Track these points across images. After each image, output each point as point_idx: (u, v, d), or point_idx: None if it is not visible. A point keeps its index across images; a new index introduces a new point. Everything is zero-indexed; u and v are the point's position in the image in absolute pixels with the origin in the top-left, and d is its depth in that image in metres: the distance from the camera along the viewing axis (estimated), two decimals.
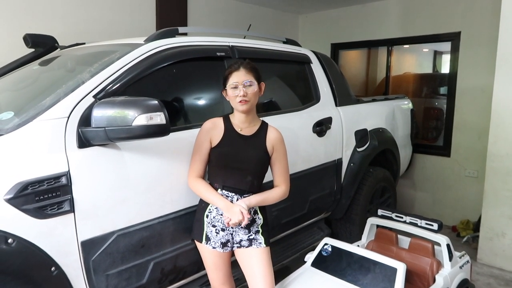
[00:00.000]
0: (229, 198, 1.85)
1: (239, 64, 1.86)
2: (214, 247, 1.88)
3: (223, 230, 1.87)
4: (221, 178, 1.87)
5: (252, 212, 1.89)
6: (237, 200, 1.85)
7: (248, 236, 1.89)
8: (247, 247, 1.89)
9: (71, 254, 1.57)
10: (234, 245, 1.90)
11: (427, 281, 2.38)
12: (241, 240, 1.89)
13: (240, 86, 1.82)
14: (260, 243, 1.90)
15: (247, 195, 1.87)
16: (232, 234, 1.88)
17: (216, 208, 1.86)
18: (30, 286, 1.48)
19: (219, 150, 1.87)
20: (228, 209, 1.79)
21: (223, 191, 1.86)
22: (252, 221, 1.89)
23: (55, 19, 3.27)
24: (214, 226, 1.87)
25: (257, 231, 1.90)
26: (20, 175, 1.43)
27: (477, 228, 3.71)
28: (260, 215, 1.93)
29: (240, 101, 1.82)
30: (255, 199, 1.86)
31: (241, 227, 1.86)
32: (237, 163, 1.86)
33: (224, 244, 1.88)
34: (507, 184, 3.26)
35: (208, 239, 1.88)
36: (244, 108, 1.84)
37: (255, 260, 1.88)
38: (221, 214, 1.85)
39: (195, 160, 1.90)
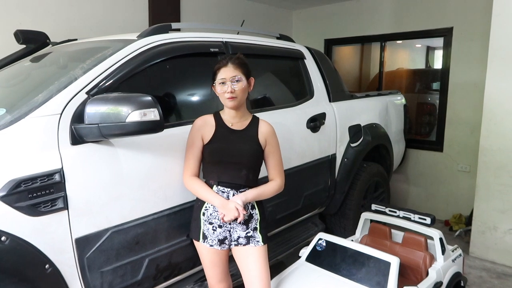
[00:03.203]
0: (225, 193, 1.85)
1: (227, 60, 1.84)
2: (211, 245, 1.87)
3: (220, 227, 1.86)
4: (216, 174, 1.87)
5: (249, 207, 1.89)
6: (233, 195, 1.85)
7: (246, 233, 1.88)
8: (244, 245, 1.88)
9: (65, 251, 1.56)
10: (232, 242, 1.89)
11: (420, 274, 2.40)
12: (238, 237, 1.88)
13: (228, 82, 1.80)
14: (258, 241, 1.89)
15: (243, 190, 1.87)
16: (229, 231, 1.87)
17: (212, 205, 1.86)
18: (24, 284, 1.47)
19: (211, 146, 1.86)
20: (224, 207, 1.78)
21: (219, 186, 1.85)
22: (250, 217, 1.89)
23: (47, 15, 3.24)
24: (211, 223, 1.86)
25: (255, 228, 1.90)
26: (12, 172, 1.42)
27: (469, 222, 3.75)
28: (257, 211, 1.92)
29: (228, 98, 1.81)
30: (251, 194, 1.85)
31: (239, 223, 1.86)
32: (231, 158, 1.85)
33: (221, 242, 1.87)
34: (499, 178, 3.29)
35: (205, 237, 1.87)
36: (232, 105, 1.83)
37: (252, 259, 1.88)
38: (218, 211, 1.85)
39: (188, 158, 1.89)
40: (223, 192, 1.85)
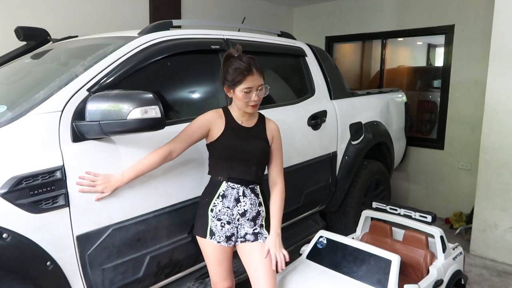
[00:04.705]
0: (235, 189, 1.85)
1: (251, 67, 1.76)
2: (218, 242, 1.85)
3: (228, 223, 1.85)
4: (226, 170, 1.85)
5: (257, 204, 1.89)
6: (243, 191, 1.85)
7: (254, 230, 1.88)
8: (252, 241, 1.88)
9: (67, 248, 1.57)
10: (238, 239, 1.89)
11: (421, 272, 2.41)
12: (246, 234, 1.88)
13: (254, 91, 1.78)
14: (265, 237, 1.89)
15: (252, 186, 1.88)
16: (237, 228, 1.87)
17: (222, 201, 1.84)
18: (26, 281, 1.47)
19: (222, 142, 1.84)
20: (108, 180, 1.65)
21: (229, 183, 1.85)
22: (257, 214, 1.89)
23: (47, 12, 3.23)
24: (219, 219, 1.85)
25: (262, 225, 1.90)
26: (14, 169, 1.42)
27: (470, 220, 3.75)
28: (263, 208, 1.92)
29: (252, 105, 1.81)
30: (278, 224, 1.89)
31: (247, 220, 1.86)
32: (242, 154, 1.85)
33: (228, 238, 1.86)
34: (500, 176, 3.29)
35: (212, 233, 1.85)
36: (253, 111, 1.85)
37: (259, 255, 1.86)
38: (227, 207, 1.84)
39: (181, 136, 1.81)
40: (233, 188, 1.85)
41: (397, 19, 4.64)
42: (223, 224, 1.85)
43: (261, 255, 1.86)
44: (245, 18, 3.45)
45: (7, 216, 1.40)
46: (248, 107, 1.82)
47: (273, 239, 1.86)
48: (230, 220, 1.85)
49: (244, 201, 1.85)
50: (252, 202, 1.87)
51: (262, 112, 2.13)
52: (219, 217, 1.85)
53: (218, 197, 1.85)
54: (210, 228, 1.86)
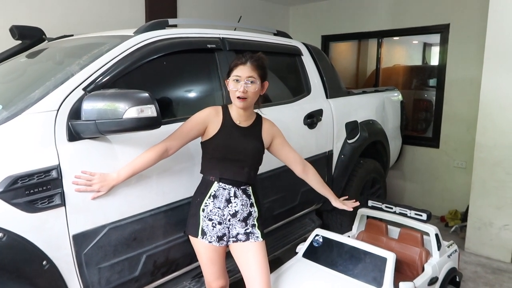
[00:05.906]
0: (227, 190, 1.84)
1: (247, 58, 1.80)
2: (210, 241, 1.85)
3: (220, 223, 1.85)
4: (218, 170, 1.85)
5: (249, 205, 1.89)
6: (235, 192, 1.85)
7: (245, 230, 1.88)
8: (244, 241, 1.88)
9: (63, 247, 1.57)
10: (230, 239, 1.89)
11: (416, 270, 2.42)
12: (237, 234, 1.87)
13: (242, 81, 1.77)
14: (257, 237, 1.89)
15: (244, 187, 1.87)
16: (229, 228, 1.87)
17: (213, 201, 1.84)
18: (22, 280, 1.47)
19: (216, 141, 1.84)
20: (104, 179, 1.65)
21: (220, 183, 1.84)
22: (249, 214, 1.89)
23: (43, 11, 3.21)
24: (210, 219, 1.84)
25: (253, 225, 1.90)
26: (9, 169, 1.42)
27: (465, 218, 3.77)
28: (255, 208, 1.92)
29: (239, 97, 1.78)
30: (331, 192, 2.20)
31: (238, 220, 1.86)
32: (235, 155, 1.84)
33: (220, 238, 1.86)
34: (495, 174, 3.31)
35: (204, 233, 1.85)
36: (242, 105, 1.80)
37: (251, 254, 1.87)
38: (218, 207, 1.84)
39: (177, 133, 1.80)
40: (225, 189, 1.84)
41: (393, 18, 4.65)
42: (214, 224, 1.85)
43: (254, 253, 1.87)
44: (241, 17, 3.46)
45: (3, 216, 1.40)
46: (236, 99, 1.80)
47: (338, 201, 2.18)
48: (221, 221, 1.85)
49: (235, 202, 1.85)
50: (243, 203, 1.87)
51: (259, 110, 2.14)
52: (210, 217, 1.85)
53: (209, 197, 1.85)
54: (202, 228, 1.85)
